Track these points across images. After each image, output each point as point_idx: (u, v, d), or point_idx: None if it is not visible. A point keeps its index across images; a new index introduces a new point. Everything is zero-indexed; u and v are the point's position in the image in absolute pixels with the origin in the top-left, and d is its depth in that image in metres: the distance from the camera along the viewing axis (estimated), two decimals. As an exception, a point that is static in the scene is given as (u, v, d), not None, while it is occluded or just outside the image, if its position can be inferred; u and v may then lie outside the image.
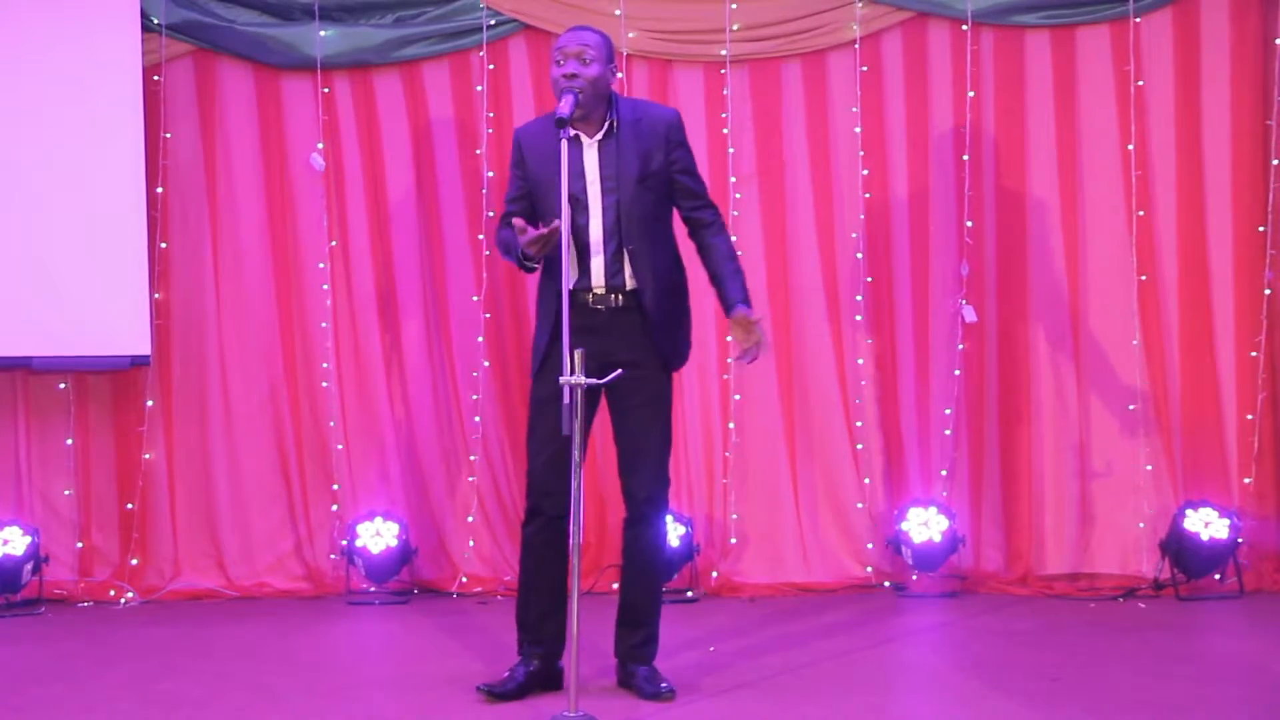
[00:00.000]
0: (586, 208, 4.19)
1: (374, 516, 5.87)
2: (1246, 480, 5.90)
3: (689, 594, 5.83)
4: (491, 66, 6.04)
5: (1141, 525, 5.90)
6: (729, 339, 6.00)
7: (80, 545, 6.01)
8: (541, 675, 4.27)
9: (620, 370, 4.05)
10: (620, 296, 4.21)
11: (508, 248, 4.29)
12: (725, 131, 6.04)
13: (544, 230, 4.05)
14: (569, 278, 4.01)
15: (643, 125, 4.24)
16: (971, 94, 5.97)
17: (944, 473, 6.00)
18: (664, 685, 4.20)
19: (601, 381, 3.96)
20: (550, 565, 4.29)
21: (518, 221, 4.10)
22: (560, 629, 4.31)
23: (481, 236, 6.00)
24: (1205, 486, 5.89)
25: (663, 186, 4.27)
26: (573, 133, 4.16)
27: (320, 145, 6.02)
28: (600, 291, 4.20)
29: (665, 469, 4.32)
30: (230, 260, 6.08)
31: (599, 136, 4.22)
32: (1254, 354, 5.91)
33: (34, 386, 6.00)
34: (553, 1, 5.98)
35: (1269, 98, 5.92)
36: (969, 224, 5.96)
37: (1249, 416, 5.91)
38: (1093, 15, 5.97)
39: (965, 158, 5.97)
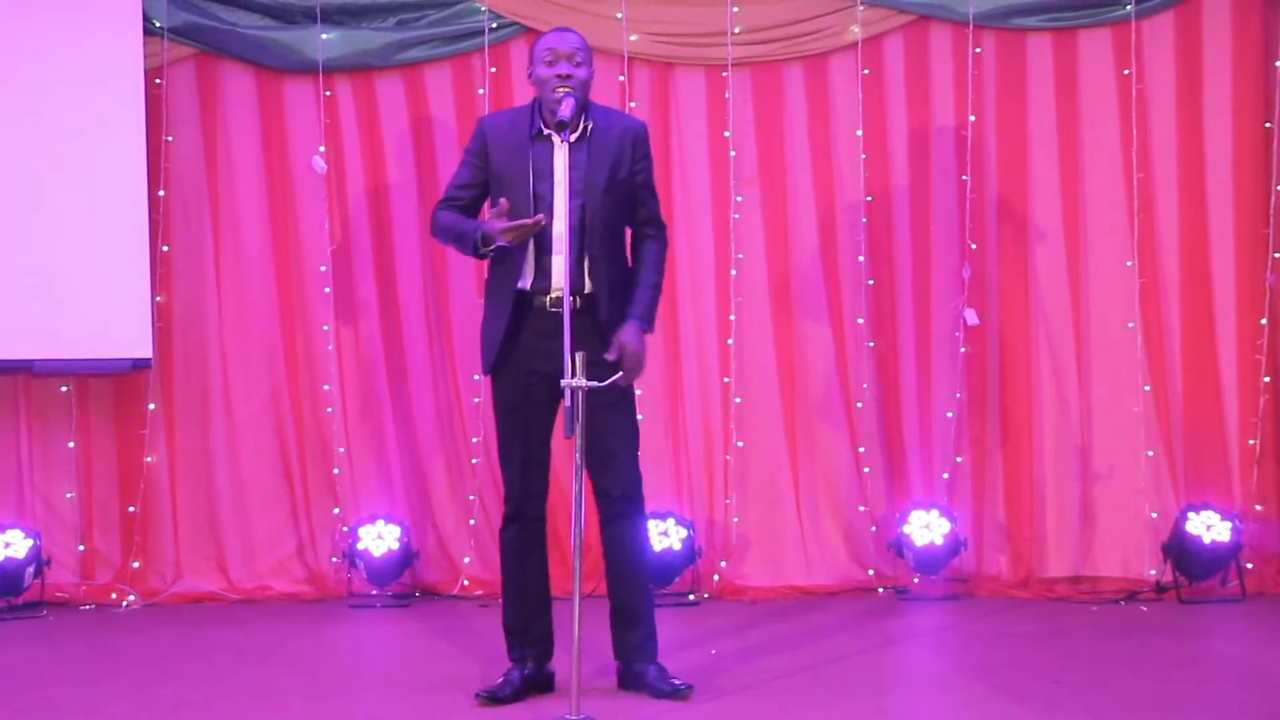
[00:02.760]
0: (550, 208, 4.16)
1: (375, 519, 5.87)
2: (1249, 482, 5.90)
3: (690, 597, 5.83)
4: (493, 69, 6.04)
5: (1143, 528, 5.90)
6: (730, 341, 6.02)
7: (82, 548, 6.01)
8: (534, 678, 4.28)
9: (620, 374, 4.05)
10: (578, 299, 4.16)
11: (447, 231, 4.26)
12: (727, 134, 6.04)
13: (527, 221, 4.02)
14: (569, 279, 4.00)
15: (613, 134, 4.25)
16: (973, 97, 5.97)
17: (945, 476, 5.99)
18: (678, 683, 4.19)
19: (602, 384, 3.95)
20: (533, 568, 4.31)
21: (504, 202, 4.07)
22: (547, 631, 4.32)
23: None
24: (1207, 489, 5.89)
25: (626, 195, 4.28)
26: (546, 131, 4.17)
27: (322, 148, 6.03)
28: (558, 294, 4.15)
29: (637, 464, 4.31)
30: (232, 263, 6.08)
31: (573, 139, 4.21)
32: (1257, 356, 5.91)
33: (36, 389, 6.01)
34: (554, 5, 5.99)
35: (1270, 100, 5.92)
36: (970, 227, 5.96)
37: (1252, 418, 5.90)
38: (1094, 18, 5.98)
39: (967, 160, 5.97)
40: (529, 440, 4.22)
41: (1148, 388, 5.95)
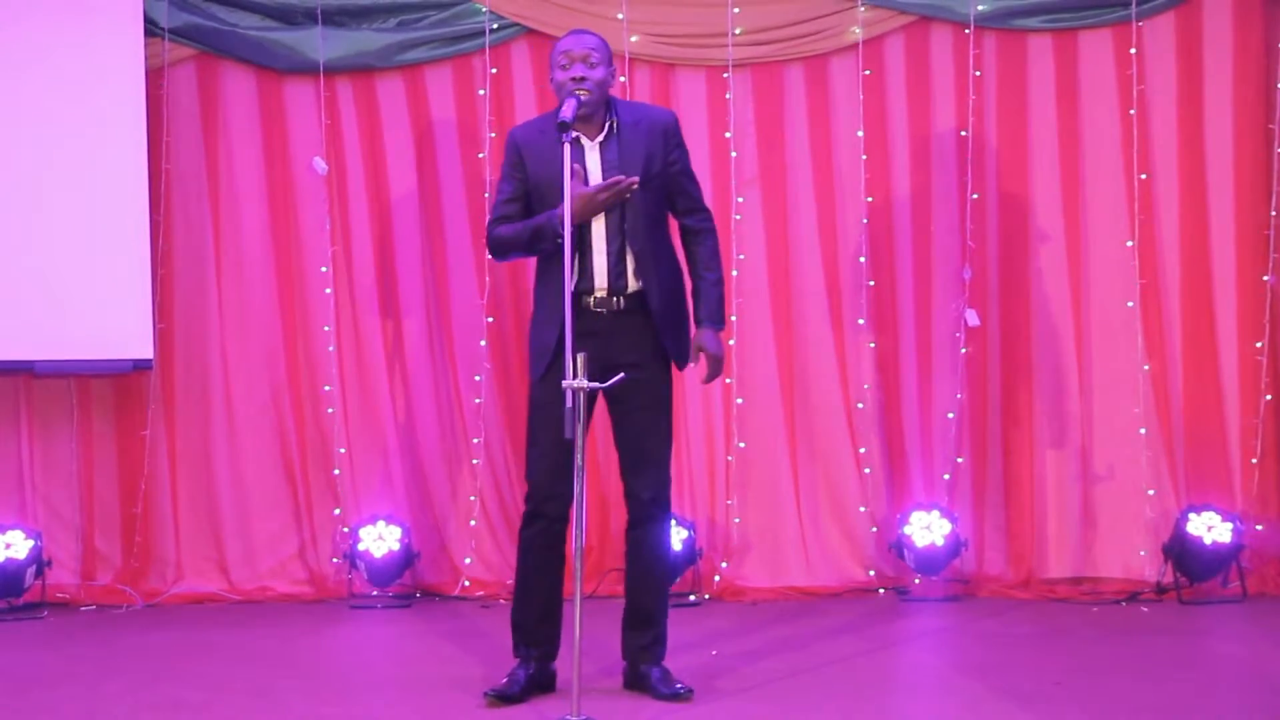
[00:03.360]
0: None
1: (376, 520, 5.87)
2: (1250, 484, 5.90)
3: (691, 598, 5.83)
4: (494, 70, 6.05)
5: (1144, 529, 5.89)
6: (730, 342, 6.02)
7: (83, 549, 6.00)
8: (537, 677, 4.28)
9: (623, 375, 4.05)
10: (622, 299, 4.20)
11: (516, 240, 4.24)
12: (728, 135, 6.04)
13: (622, 180, 4.01)
14: (571, 280, 4.01)
15: (642, 127, 4.26)
16: (974, 98, 5.97)
17: (946, 476, 5.99)
18: (680, 686, 4.20)
19: (604, 385, 3.96)
20: (550, 568, 4.31)
21: (578, 166, 4.04)
22: (555, 632, 4.33)
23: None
24: (1208, 490, 5.89)
25: (663, 188, 4.29)
26: (574, 135, 4.16)
27: (323, 150, 6.03)
28: (602, 294, 4.19)
29: (668, 469, 4.34)
30: (232, 264, 6.08)
31: (600, 138, 4.23)
32: (1258, 358, 5.91)
33: (37, 391, 6.00)
34: (555, 5, 5.99)
35: (1271, 101, 5.92)
36: (971, 228, 5.96)
37: (1253, 420, 5.90)
38: (1095, 19, 5.98)
39: (968, 161, 5.97)
40: (560, 442, 4.19)
41: (1149, 388, 5.94)
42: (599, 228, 4.18)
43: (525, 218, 4.27)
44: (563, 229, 4.03)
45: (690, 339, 4.37)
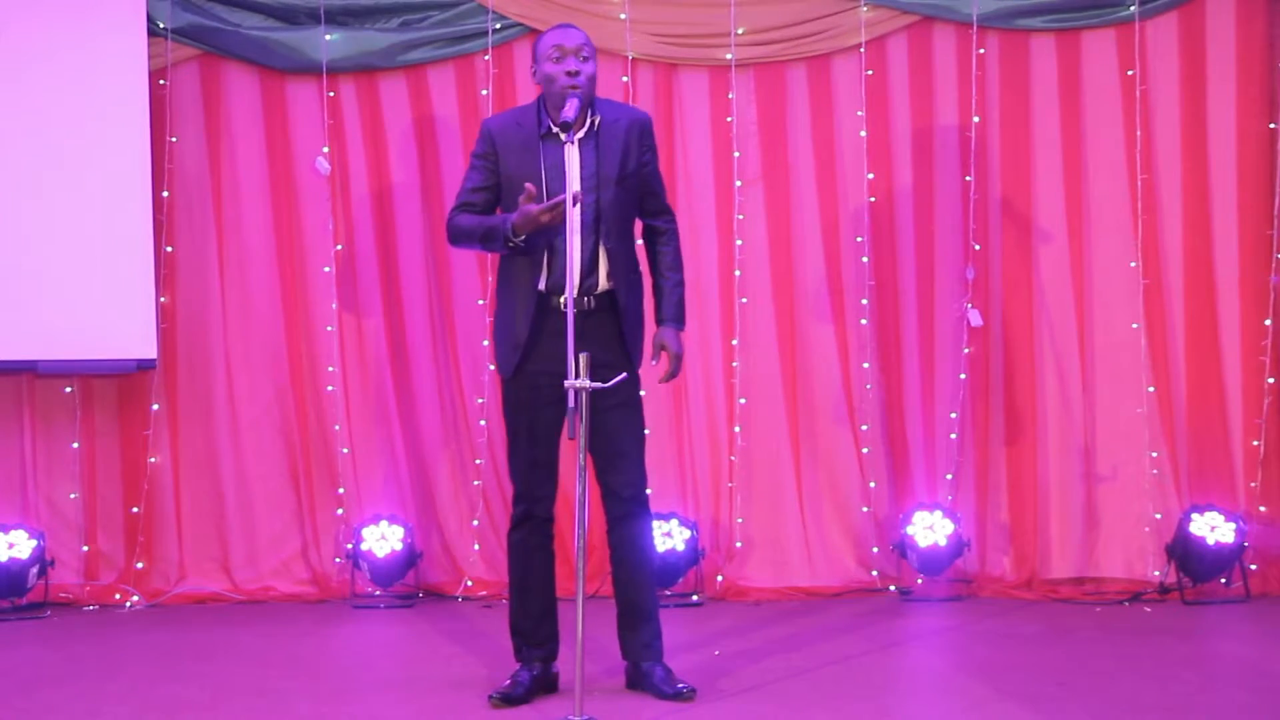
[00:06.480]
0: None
1: (379, 520, 5.87)
2: (1253, 484, 5.90)
3: (694, 598, 5.83)
4: (496, 70, 6.05)
5: (1147, 529, 5.89)
6: (734, 342, 6.02)
7: (86, 549, 6.01)
8: (541, 678, 4.28)
9: (624, 374, 4.06)
10: (591, 299, 4.20)
11: (472, 233, 4.23)
12: (730, 135, 6.04)
13: (560, 199, 3.99)
14: (573, 281, 4.01)
15: (620, 125, 4.26)
16: (976, 98, 5.97)
17: (949, 476, 5.99)
18: (682, 686, 4.20)
19: (606, 385, 3.95)
20: (545, 569, 4.32)
21: (531, 187, 4.04)
22: (553, 632, 4.34)
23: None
24: (1211, 490, 5.89)
25: (636, 186, 4.30)
26: (555, 129, 4.15)
27: (325, 149, 6.03)
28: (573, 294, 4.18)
29: (644, 466, 4.34)
30: (236, 264, 6.09)
31: (580, 135, 4.22)
32: (1261, 358, 5.91)
33: (40, 390, 6.01)
34: (558, 6, 5.99)
35: (1274, 101, 5.92)
36: (974, 228, 5.96)
37: (1255, 420, 5.90)
38: (1098, 19, 5.98)
39: (970, 161, 5.96)
40: (540, 442, 4.22)
41: (1151, 389, 5.94)
42: (574, 227, 4.15)
43: (490, 208, 4.26)
44: (515, 236, 4.08)
45: (643, 338, 4.36)
